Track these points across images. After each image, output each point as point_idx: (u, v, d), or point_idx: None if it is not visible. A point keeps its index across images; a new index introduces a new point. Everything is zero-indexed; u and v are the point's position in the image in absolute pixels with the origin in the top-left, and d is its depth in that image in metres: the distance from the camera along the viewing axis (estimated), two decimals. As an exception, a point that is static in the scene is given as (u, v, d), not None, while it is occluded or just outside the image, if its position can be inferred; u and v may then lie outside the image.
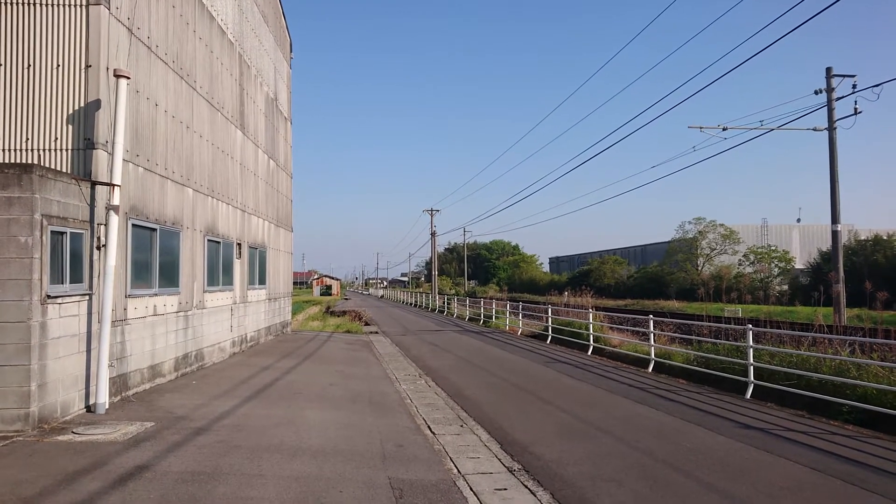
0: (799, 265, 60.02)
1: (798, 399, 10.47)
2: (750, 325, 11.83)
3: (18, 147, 8.78)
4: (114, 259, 8.67)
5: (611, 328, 20.74)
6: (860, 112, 22.34)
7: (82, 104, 8.83)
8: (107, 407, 8.52)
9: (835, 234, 23.42)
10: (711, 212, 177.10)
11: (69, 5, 8.88)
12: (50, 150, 8.79)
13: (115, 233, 8.75)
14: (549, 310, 23.44)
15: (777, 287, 53.10)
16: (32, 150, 8.78)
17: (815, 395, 10.04)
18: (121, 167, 8.92)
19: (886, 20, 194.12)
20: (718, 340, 14.13)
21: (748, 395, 11.16)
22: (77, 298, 8.31)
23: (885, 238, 49.20)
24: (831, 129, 23.15)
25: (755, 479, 6.51)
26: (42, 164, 8.63)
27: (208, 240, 13.39)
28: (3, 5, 8.86)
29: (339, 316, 36.37)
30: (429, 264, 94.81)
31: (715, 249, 63.77)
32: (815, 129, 25.08)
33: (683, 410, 9.99)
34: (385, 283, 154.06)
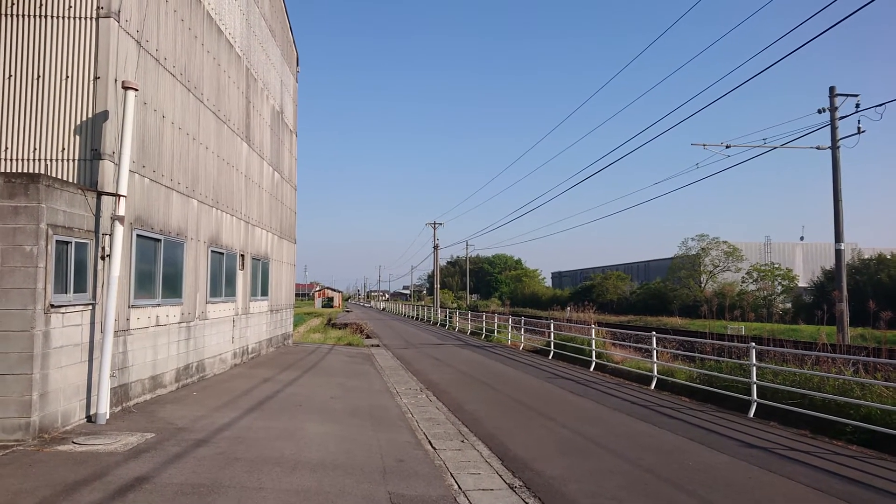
0: (802, 283, 59.90)
1: (801, 418, 10.40)
2: (753, 343, 11.79)
3: (26, 157, 8.85)
4: (118, 269, 8.70)
5: (613, 344, 20.67)
6: (863, 131, 22.35)
7: (90, 115, 8.91)
8: (107, 417, 8.51)
9: (838, 253, 23.37)
10: (715, 229, 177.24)
11: (79, 18, 9.00)
12: (57, 160, 8.86)
13: (120, 243, 8.79)
14: (552, 325, 23.39)
15: (780, 305, 52.97)
16: (40, 159, 8.85)
17: (818, 415, 9.98)
18: (127, 178, 8.98)
19: (890, 41, 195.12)
20: (721, 358, 14.07)
21: (751, 414, 11.09)
22: (80, 308, 8.33)
23: (888, 257, 49.14)
24: (834, 147, 23.19)
25: (758, 498, 6.47)
26: (49, 173, 8.70)
27: (212, 251, 13.43)
28: (13, 17, 8.98)
29: (340, 328, 36.32)
30: (431, 277, 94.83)
31: (718, 266, 63.73)
32: (818, 148, 25.12)
33: (686, 428, 9.94)
34: (387, 296, 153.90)
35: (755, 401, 11.20)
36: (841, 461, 8.06)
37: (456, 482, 6.77)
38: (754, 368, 11.39)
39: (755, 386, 11.29)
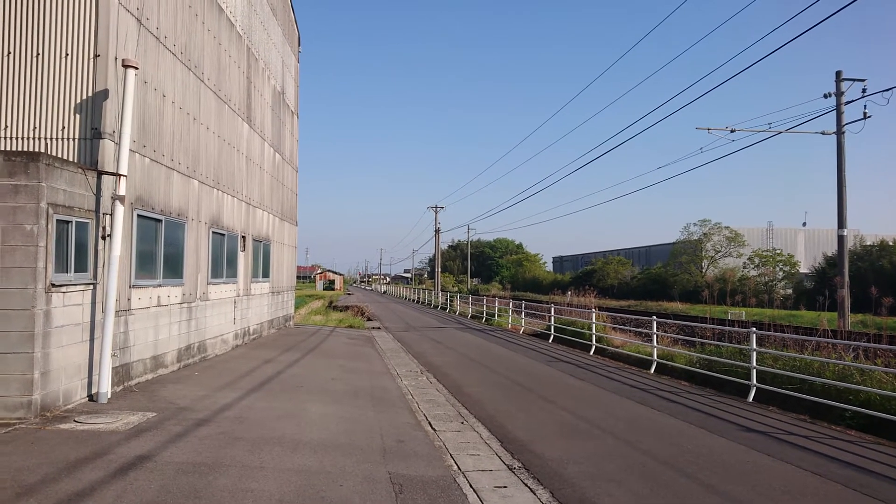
0: (804, 269, 59.86)
1: (800, 403, 10.43)
2: (753, 329, 11.79)
3: (26, 135, 8.80)
4: (119, 249, 8.68)
5: (613, 328, 20.71)
6: (869, 116, 22.18)
7: (90, 94, 8.84)
8: (109, 396, 8.55)
9: (841, 239, 23.31)
10: (717, 214, 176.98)
11: (78, -6, 8.88)
12: (57, 138, 8.81)
13: (121, 223, 8.76)
14: (552, 309, 23.41)
15: (781, 291, 52.99)
16: (40, 138, 8.80)
17: (817, 400, 10.00)
18: (127, 157, 8.93)
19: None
20: (721, 343, 14.08)
21: (750, 399, 11.12)
22: (81, 287, 8.33)
23: (891, 244, 49.05)
24: (840, 133, 23.02)
25: (756, 482, 6.49)
26: (49, 152, 8.64)
27: (213, 232, 13.41)
28: (12, -7, 8.86)
29: (341, 311, 36.39)
30: (432, 261, 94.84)
31: (720, 252, 63.65)
32: (823, 133, 24.95)
33: (685, 412, 9.97)
34: (388, 280, 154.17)
35: (755, 385, 11.23)
36: (839, 446, 8.09)
37: (455, 463, 6.81)
38: (754, 353, 11.40)
39: (755, 371, 11.31)
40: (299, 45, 23.64)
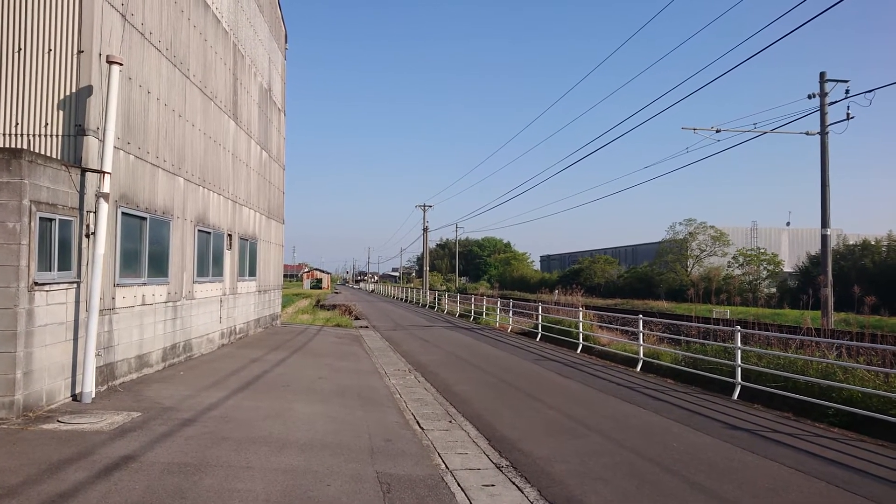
0: (787, 268, 60.51)
1: (784, 401, 10.54)
2: (738, 327, 11.89)
3: (8, 132, 8.67)
4: (103, 247, 8.58)
5: (600, 327, 20.81)
6: (853, 117, 22.47)
7: (74, 90, 8.73)
8: (93, 396, 8.45)
9: (824, 238, 23.58)
10: (702, 213, 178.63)
11: (62, -11, 8.76)
12: (40, 135, 8.69)
13: (105, 221, 8.66)
14: (540, 308, 23.48)
15: (765, 289, 53.51)
16: (22, 135, 8.68)
17: (801, 398, 10.11)
18: (111, 154, 8.83)
19: (883, 26, 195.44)
20: (707, 341, 14.19)
21: (735, 396, 11.22)
22: (65, 286, 8.23)
23: (873, 243, 49.68)
24: (823, 133, 23.29)
25: (741, 479, 6.55)
26: (32, 149, 8.53)
27: (199, 230, 13.30)
28: (-6, -13, 8.73)
29: (329, 310, 36.25)
30: (420, 260, 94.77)
31: (705, 251, 64.17)
32: (807, 133, 25.22)
33: (671, 410, 10.04)
34: (376, 278, 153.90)
35: (739, 383, 11.32)
36: (823, 443, 8.18)
37: (443, 462, 6.80)
38: (739, 351, 11.50)
39: (739, 369, 11.40)
40: (286, 42, 23.50)
